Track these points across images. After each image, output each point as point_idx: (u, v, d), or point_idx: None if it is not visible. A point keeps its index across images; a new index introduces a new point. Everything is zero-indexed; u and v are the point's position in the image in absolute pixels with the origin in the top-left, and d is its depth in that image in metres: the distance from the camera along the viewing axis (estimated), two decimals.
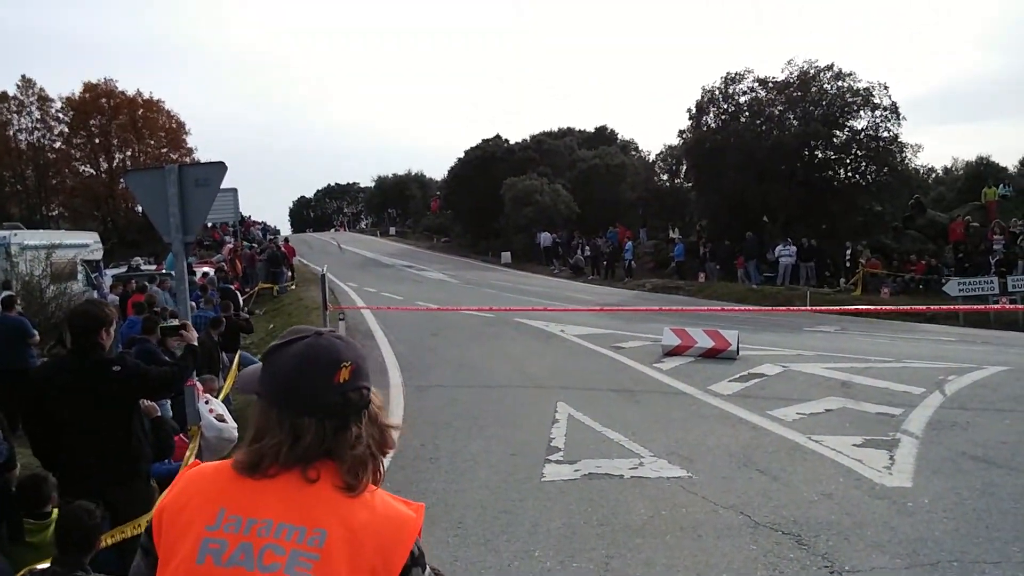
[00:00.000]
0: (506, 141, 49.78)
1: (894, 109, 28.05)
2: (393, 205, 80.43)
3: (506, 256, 40.76)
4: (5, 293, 12.90)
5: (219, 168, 6.96)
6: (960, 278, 21.32)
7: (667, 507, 6.13)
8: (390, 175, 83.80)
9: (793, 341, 15.01)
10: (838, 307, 19.23)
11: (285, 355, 1.57)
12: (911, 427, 8.24)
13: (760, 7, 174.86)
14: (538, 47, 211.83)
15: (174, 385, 5.12)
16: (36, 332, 11.37)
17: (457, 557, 5.37)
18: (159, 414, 5.47)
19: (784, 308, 20.05)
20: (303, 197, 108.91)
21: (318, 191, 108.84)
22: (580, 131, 56.08)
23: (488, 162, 46.55)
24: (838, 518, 5.78)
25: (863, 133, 28.60)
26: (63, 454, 4.54)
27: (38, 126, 50.40)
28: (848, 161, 29.33)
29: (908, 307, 17.40)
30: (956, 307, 17.55)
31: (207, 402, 7.12)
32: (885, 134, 28.17)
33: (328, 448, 1.54)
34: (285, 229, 77.67)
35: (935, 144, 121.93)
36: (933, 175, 43.79)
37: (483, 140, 49.76)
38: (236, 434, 7.20)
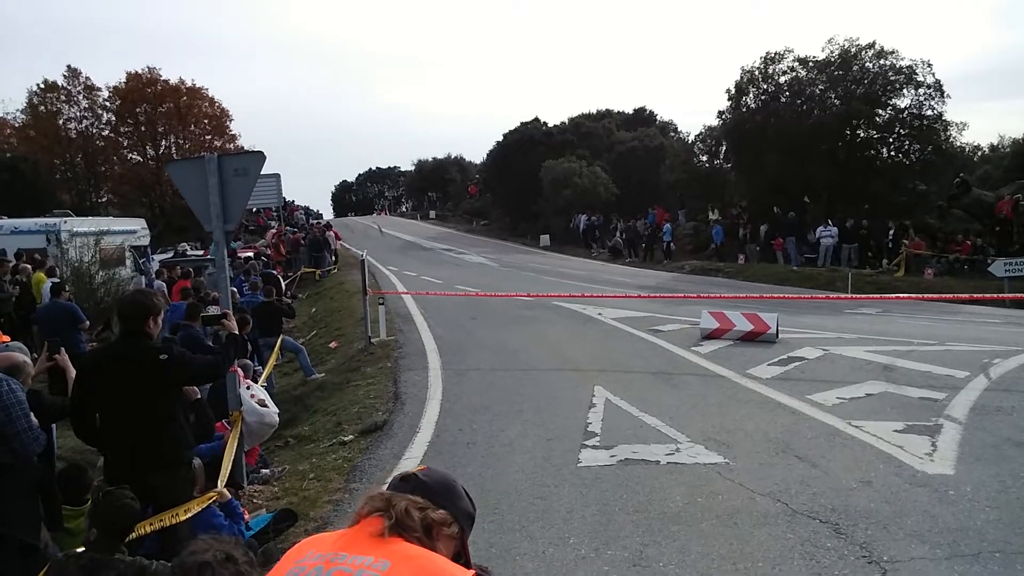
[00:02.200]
0: (544, 124, 49.66)
1: (938, 87, 27.47)
2: (433, 189, 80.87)
3: (545, 239, 40.75)
4: (52, 280, 13.27)
5: (258, 157, 7.06)
6: (1006, 259, 20.75)
7: (703, 494, 6.11)
8: (430, 159, 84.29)
9: (834, 323, 14.80)
10: (879, 295, 18.78)
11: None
12: (954, 412, 8.10)
13: None
14: (577, 27, 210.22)
15: (218, 373, 5.25)
16: (86, 318, 11.70)
17: (492, 543, 5.43)
18: (199, 396, 5.61)
19: (824, 295, 19.69)
20: (345, 181, 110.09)
21: (360, 175, 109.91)
22: (619, 113, 55.66)
23: (527, 145, 46.47)
24: (877, 506, 5.71)
25: (906, 111, 28.03)
26: (108, 438, 4.68)
27: (86, 115, 51.47)
28: (891, 140, 28.78)
29: (952, 296, 16.73)
30: (1004, 295, 16.80)
31: (248, 387, 7.25)
32: (929, 112, 27.63)
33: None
34: (327, 213, 78.70)
35: (981, 121, 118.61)
36: (979, 153, 42.61)
37: (522, 123, 49.78)
38: (277, 419, 7.33)
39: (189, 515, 4.60)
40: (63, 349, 5.35)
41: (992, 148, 43.89)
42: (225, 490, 5.22)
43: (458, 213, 64.41)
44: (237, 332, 5.41)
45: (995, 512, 5.53)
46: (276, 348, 12.47)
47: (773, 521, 5.56)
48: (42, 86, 50.00)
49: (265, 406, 7.22)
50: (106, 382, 4.62)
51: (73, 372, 5.08)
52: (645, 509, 5.88)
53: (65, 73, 50.46)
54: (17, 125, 50.84)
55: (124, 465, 4.51)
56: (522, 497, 6.21)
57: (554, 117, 63.50)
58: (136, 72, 51.19)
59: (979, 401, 8.51)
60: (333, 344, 15.41)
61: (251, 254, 26.28)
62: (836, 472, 6.48)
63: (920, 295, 18.12)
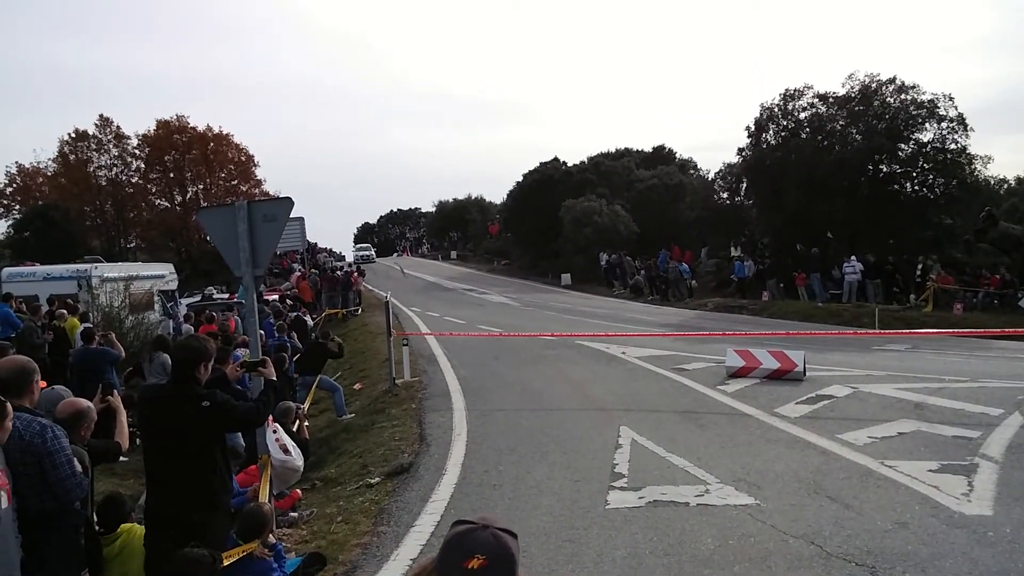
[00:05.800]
0: (564, 163, 50.04)
1: (961, 120, 27.38)
2: (454, 229, 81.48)
3: (566, 278, 40.81)
4: (85, 325, 13.50)
5: (286, 204, 7.20)
6: None
7: (735, 536, 6.03)
8: (450, 200, 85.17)
9: (862, 360, 14.64)
10: (908, 330, 18.56)
11: (449, 532, 1.82)
12: (990, 451, 7.95)
13: (821, 21, 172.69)
14: (595, 67, 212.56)
15: (258, 420, 5.32)
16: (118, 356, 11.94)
17: None
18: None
19: (851, 332, 19.51)
20: (367, 223, 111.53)
21: (381, 217, 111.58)
22: (638, 151, 55.95)
23: (546, 184, 46.83)
24: (914, 548, 5.60)
25: (929, 146, 27.95)
26: (149, 476, 4.81)
27: (116, 162, 52.58)
28: (915, 175, 28.67)
29: (983, 331, 16.55)
30: None
31: (275, 431, 7.30)
32: (952, 146, 27.49)
33: None
34: (349, 255, 79.48)
35: (1006, 154, 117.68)
36: (1005, 186, 42.36)
37: (541, 163, 50.22)
38: (300, 464, 7.36)
39: (230, 561, 4.62)
40: (116, 391, 5.46)
41: (1019, 181, 43.67)
42: (271, 538, 5.26)
43: (479, 253, 64.78)
44: (275, 379, 5.48)
45: None
46: (313, 386, 12.73)
47: (808, 564, 5.46)
48: (73, 135, 51.22)
49: (288, 453, 7.25)
50: (151, 422, 4.75)
51: (124, 415, 5.20)
52: (676, 552, 5.80)
53: (97, 122, 51.73)
54: (49, 174, 52.00)
55: (163, 503, 4.59)
56: (551, 540, 6.16)
57: (573, 157, 63.95)
58: (165, 120, 52.40)
59: (1015, 439, 8.35)
60: (357, 385, 15.46)
61: (276, 296, 26.53)
62: (870, 513, 6.37)
63: (950, 330, 17.91)
